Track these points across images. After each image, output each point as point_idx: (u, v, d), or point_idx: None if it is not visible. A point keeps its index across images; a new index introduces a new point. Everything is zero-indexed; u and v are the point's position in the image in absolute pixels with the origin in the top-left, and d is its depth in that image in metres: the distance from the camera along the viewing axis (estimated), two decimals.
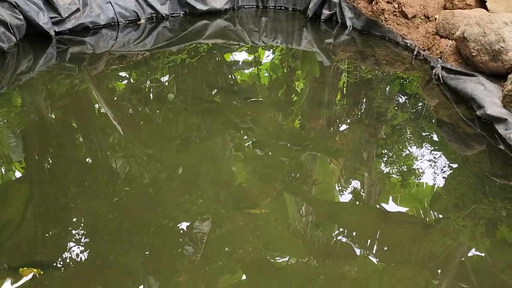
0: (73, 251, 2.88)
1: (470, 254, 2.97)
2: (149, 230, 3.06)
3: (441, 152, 4.09)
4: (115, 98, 4.89)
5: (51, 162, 3.79)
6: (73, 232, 3.03)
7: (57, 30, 6.05)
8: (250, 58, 6.21)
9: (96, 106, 4.75)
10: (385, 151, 4.11)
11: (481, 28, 4.71)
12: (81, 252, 2.88)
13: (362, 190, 3.59)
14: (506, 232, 3.13)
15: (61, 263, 2.80)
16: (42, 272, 2.68)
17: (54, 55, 5.72)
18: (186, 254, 2.89)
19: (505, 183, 3.59)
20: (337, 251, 2.97)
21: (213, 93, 5.08)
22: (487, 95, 4.45)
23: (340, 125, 4.63)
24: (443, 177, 3.71)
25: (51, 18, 5.97)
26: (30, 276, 2.68)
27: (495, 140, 4.05)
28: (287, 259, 2.90)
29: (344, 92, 5.34)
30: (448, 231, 3.12)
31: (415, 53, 5.78)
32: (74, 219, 3.14)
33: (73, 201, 3.32)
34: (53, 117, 4.54)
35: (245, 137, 4.23)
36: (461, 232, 3.11)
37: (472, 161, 3.96)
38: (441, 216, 3.31)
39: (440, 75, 5.16)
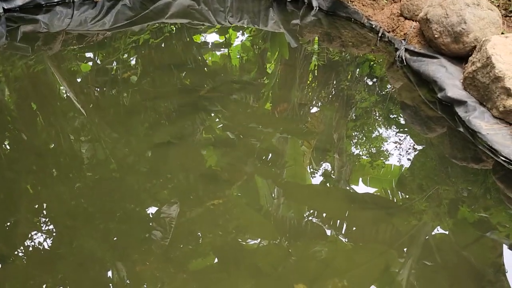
0: (35, 239, 2.78)
1: (434, 232, 3.07)
2: (115, 215, 2.98)
3: (404, 135, 4.17)
4: (77, 80, 4.68)
5: (8, 147, 3.60)
6: (34, 219, 2.92)
7: (5, 7, 5.72)
8: (221, 40, 6.09)
9: (54, 88, 4.53)
10: (355, 133, 4.16)
11: (443, 9, 4.75)
12: (44, 239, 2.77)
13: (332, 172, 3.62)
14: (467, 212, 3.24)
15: (22, 251, 2.68)
16: None
17: (4, 34, 5.40)
18: (155, 239, 2.84)
19: (464, 165, 3.69)
20: (308, 232, 3.00)
21: (182, 75, 4.95)
22: (448, 78, 4.51)
23: (310, 107, 4.63)
24: (408, 159, 3.79)
25: None
26: None
27: (455, 122, 4.11)
28: (258, 241, 2.90)
29: (313, 74, 5.34)
30: (413, 211, 3.20)
31: (379, 34, 5.82)
32: (36, 206, 3.01)
33: (34, 187, 3.17)
34: (9, 99, 4.29)
35: (216, 119, 4.16)
36: (425, 212, 3.20)
37: (434, 143, 4.06)
38: (406, 196, 3.40)
39: (404, 57, 5.22)
